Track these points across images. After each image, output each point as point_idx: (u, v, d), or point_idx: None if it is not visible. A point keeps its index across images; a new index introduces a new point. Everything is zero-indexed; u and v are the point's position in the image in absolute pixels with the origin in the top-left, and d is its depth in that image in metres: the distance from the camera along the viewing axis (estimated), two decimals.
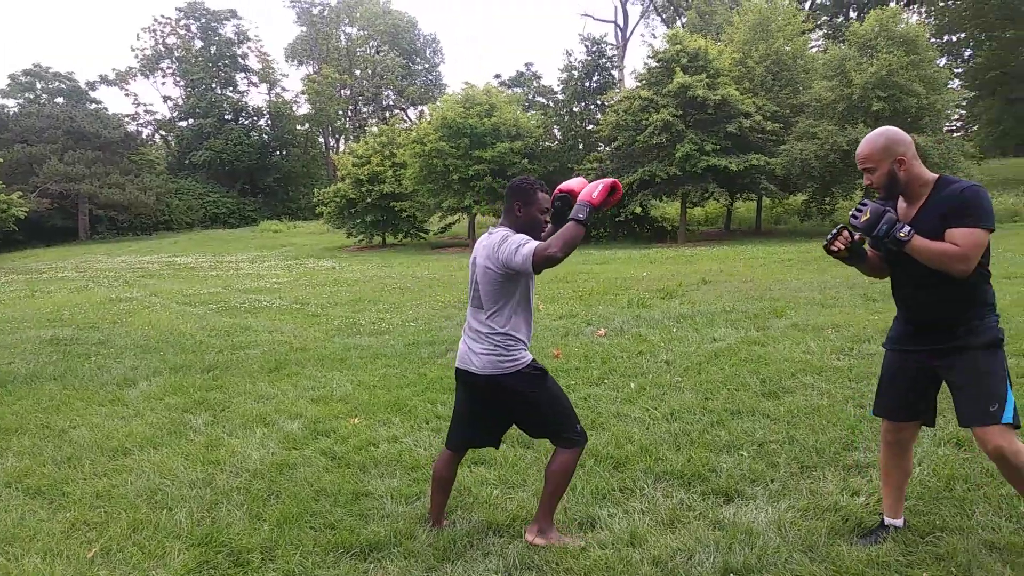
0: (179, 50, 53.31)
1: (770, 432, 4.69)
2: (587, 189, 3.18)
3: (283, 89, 56.82)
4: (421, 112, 56.06)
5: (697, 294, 11.22)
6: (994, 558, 3.04)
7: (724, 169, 23.65)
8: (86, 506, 4.01)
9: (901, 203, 3.09)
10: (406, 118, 57.67)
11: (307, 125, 55.88)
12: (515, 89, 33.31)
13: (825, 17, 48.50)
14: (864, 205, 2.99)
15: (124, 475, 4.44)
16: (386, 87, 62.59)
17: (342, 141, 61.67)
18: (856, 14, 44.61)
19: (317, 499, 3.98)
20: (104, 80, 52.79)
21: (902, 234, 2.88)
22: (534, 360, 3.40)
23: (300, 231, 40.35)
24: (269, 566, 3.31)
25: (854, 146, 21.65)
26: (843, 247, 3.13)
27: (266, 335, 9.30)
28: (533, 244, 3.09)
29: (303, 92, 55.10)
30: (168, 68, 54.41)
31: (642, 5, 59.09)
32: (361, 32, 65.79)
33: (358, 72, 62.46)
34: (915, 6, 42.03)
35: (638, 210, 26.54)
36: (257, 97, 77.87)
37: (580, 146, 29.42)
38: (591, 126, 29.28)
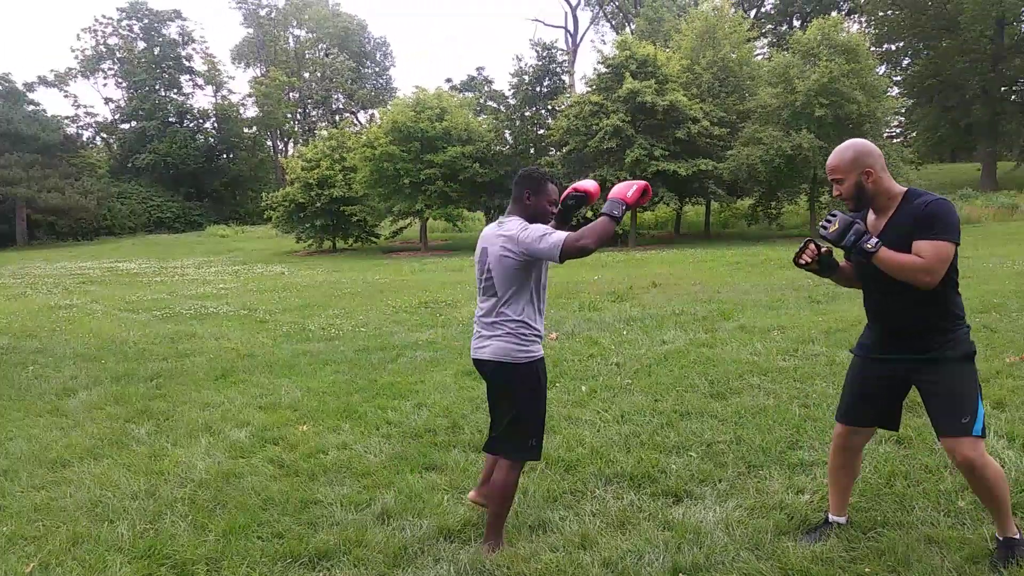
0: (121, 51, 51.94)
1: (718, 433, 4.76)
2: (621, 188, 3.27)
3: (230, 91, 55.70)
4: (371, 116, 55.69)
5: (647, 297, 11.34)
6: (933, 552, 3.13)
7: (673, 174, 23.97)
8: (24, 520, 3.87)
9: (870, 215, 3.13)
10: (356, 122, 57.16)
11: (255, 128, 54.90)
12: (466, 93, 33.28)
13: (770, 26, 49.66)
14: (833, 216, 3.01)
15: (63, 487, 4.30)
16: (336, 90, 62.01)
17: (291, 145, 60.85)
18: (800, 23, 45.68)
19: (265, 508, 3.91)
20: (43, 81, 51.10)
21: (869, 245, 2.92)
22: (542, 359, 3.43)
23: (248, 236, 39.68)
24: None
25: (798, 151, 22.36)
26: (811, 260, 3.16)
27: (212, 342, 9.12)
28: (561, 234, 3.13)
29: (250, 95, 54.13)
30: (109, 69, 52.95)
31: (592, 11, 59.74)
32: (310, 34, 65.10)
33: (307, 75, 61.78)
34: (856, 16, 43.22)
35: (589, 214, 26.70)
36: (203, 99, 76.20)
37: (531, 150, 29.55)
38: (542, 131, 29.42)
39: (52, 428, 5.54)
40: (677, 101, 24.18)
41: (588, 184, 3.54)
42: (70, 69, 52.88)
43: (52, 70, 55.67)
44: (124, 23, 52.10)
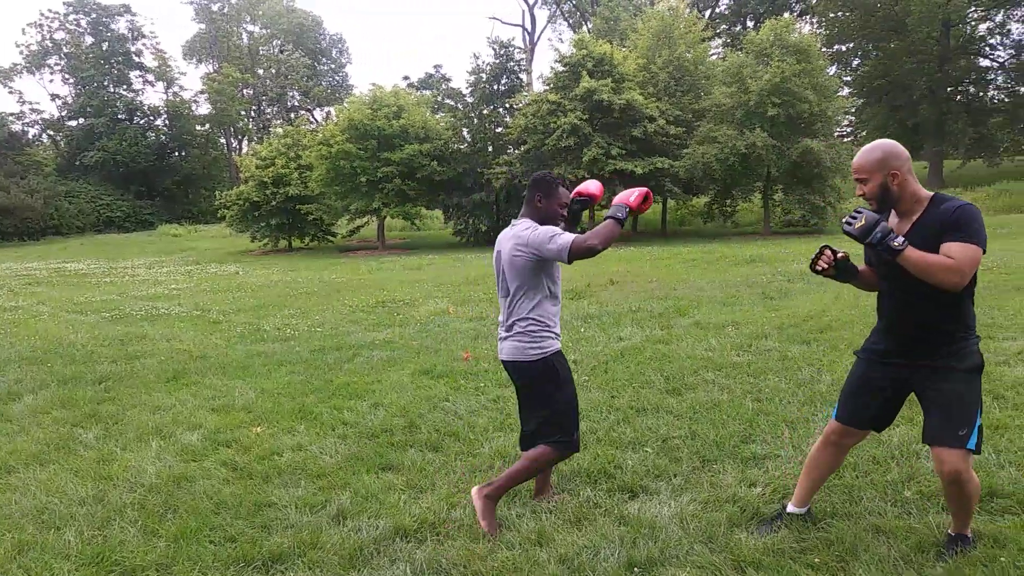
0: (68, 46, 50.56)
1: (673, 428, 4.81)
2: (624, 194, 3.44)
3: (181, 88, 54.50)
4: (328, 113, 55.11)
5: (605, 294, 11.42)
6: (880, 541, 3.21)
7: (630, 172, 24.17)
8: None
9: (893, 218, 3.08)
10: (312, 119, 56.57)
11: (207, 125, 53.94)
12: (424, 91, 33.13)
13: (724, 26, 50.35)
14: (859, 212, 2.94)
15: (8, 494, 4.18)
16: (291, 87, 61.22)
17: (245, 142, 59.92)
18: (753, 23, 46.37)
19: (217, 512, 3.84)
20: None
21: (896, 243, 2.85)
22: (559, 353, 3.53)
23: (201, 235, 38.98)
24: None
25: (752, 150, 22.70)
26: (827, 266, 3.11)
27: (164, 343, 8.94)
28: (569, 236, 3.29)
29: (203, 91, 53.17)
30: (56, 65, 51.49)
31: (549, 10, 59.89)
32: (264, 31, 64.18)
33: (261, 71, 60.87)
34: (807, 17, 44.04)
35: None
36: (153, 96, 74.74)
37: (490, 148, 29.53)
38: (500, 129, 29.42)
39: None
40: (633, 100, 24.38)
41: (591, 186, 3.65)
42: (15, 65, 51.41)
43: None
44: (71, 17, 50.76)
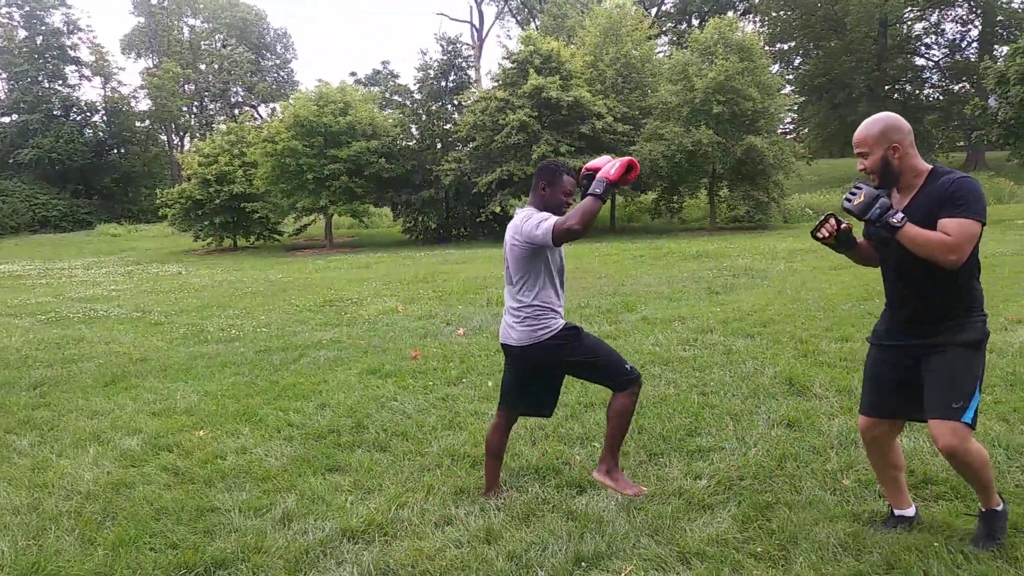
0: (0, 40, 48.79)
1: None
2: (606, 167, 3.36)
3: (120, 83, 52.80)
4: (273, 110, 54.14)
5: None
6: (819, 529, 3.28)
7: (579, 170, 24.26)
8: None
9: (895, 194, 3.04)
10: (257, 116, 55.52)
11: (147, 122, 52.45)
12: (371, 88, 32.78)
13: (670, 24, 50.97)
14: (859, 188, 2.91)
15: None
16: (234, 83, 60.03)
17: (187, 139, 58.55)
18: (698, 22, 47.05)
19: (158, 518, 3.75)
20: None
21: (894, 220, 2.82)
22: (567, 324, 3.63)
23: (142, 234, 38.00)
24: None
25: (698, 147, 23.03)
26: (828, 235, 3.08)
27: (102, 346, 8.69)
28: (553, 219, 3.33)
29: (142, 87, 51.73)
30: None
31: (497, 6, 59.89)
32: (205, 24, 62.78)
33: (203, 67, 59.57)
34: (750, 16, 44.88)
35: (497, 209, 26.83)
36: (91, 92, 72.70)
37: (439, 145, 29.39)
38: (449, 126, 29.31)
39: None
40: (581, 97, 24.51)
41: (600, 162, 3.50)
42: None
43: None
44: (3, 11, 48.83)
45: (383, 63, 37.13)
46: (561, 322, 3.60)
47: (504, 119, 24.58)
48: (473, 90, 29.23)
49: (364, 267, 18.60)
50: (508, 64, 26.45)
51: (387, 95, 31.15)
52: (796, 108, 39.45)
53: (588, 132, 24.70)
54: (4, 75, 49.10)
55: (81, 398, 6.25)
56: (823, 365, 6.00)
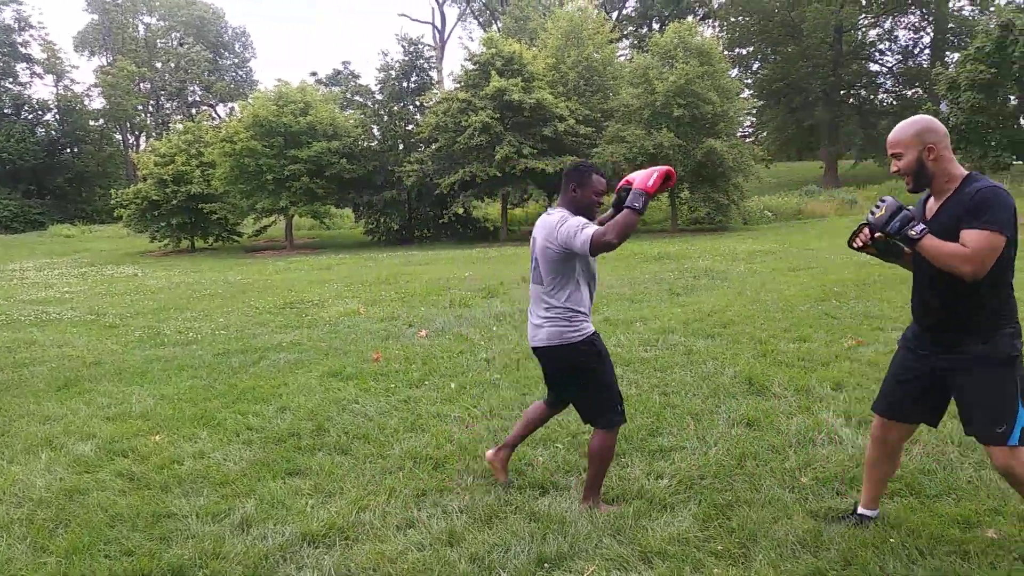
0: None
1: (582, 424, 4.83)
2: (642, 178, 3.39)
3: (73, 81, 51.61)
4: (231, 109, 53.42)
5: (518, 292, 11.46)
6: (778, 527, 3.33)
7: (541, 171, 24.37)
8: None
9: (930, 200, 2.98)
10: (215, 115, 54.71)
11: (102, 121, 51.36)
12: (332, 88, 32.50)
13: (631, 27, 51.42)
14: (883, 201, 2.89)
15: None
16: (191, 82, 59.03)
17: (143, 139, 57.43)
18: (658, 26, 47.51)
19: (112, 525, 3.66)
20: None
21: (913, 232, 2.78)
22: (596, 334, 3.62)
23: (97, 235, 37.16)
24: None
25: (660, 149, 23.23)
26: (863, 244, 3.03)
27: (55, 350, 8.48)
28: (591, 230, 3.31)
29: (96, 85, 50.63)
30: None
31: (459, 8, 59.81)
32: (161, 22, 61.61)
33: (159, 65, 58.46)
34: (709, 21, 45.44)
35: (460, 211, 26.80)
36: (43, 90, 70.98)
37: (401, 146, 29.25)
38: (411, 127, 29.18)
39: None
40: (543, 99, 24.58)
41: (637, 175, 3.51)
42: None
43: None
44: None
45: (344, 63, 36.88)
46: (591, 327, 3.61)
47: (466, 120, 24.55)
48: (435, 91, 29.14)
49: (325, 268, 18.42)
50: (470, 66, 26.43)
51: (348, 95, 30.93)
52: (755, 112, 40.03)
53: (550, 134, 24.80)
54: None
55: (33, 403, 6.08)
56: (781, 365, 6.09)
